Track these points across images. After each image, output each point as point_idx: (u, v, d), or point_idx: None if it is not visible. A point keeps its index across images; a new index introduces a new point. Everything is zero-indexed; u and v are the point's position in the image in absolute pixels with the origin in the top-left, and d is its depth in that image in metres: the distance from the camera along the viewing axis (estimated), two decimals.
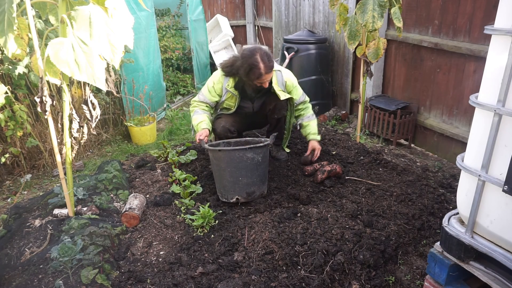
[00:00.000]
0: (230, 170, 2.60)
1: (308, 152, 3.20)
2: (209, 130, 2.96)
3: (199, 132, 2.90)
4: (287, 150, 3.44)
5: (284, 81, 3.05)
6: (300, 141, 3.70)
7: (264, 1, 7.22)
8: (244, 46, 2.98)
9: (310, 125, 3.21)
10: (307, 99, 3.24)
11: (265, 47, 2.93)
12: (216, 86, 3.01)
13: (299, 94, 3.16)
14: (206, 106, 3.08)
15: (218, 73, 3.02)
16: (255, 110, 3.18)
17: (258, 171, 2.64)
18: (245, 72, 2.78)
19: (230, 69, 2.92)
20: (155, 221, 2.60)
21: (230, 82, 2.97)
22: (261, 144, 2.62)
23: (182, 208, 2.69)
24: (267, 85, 2.88)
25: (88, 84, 2.13)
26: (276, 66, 3.05)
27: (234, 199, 2.64)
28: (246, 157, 2.57)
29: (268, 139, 2.75)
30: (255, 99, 3.14)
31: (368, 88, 4.37)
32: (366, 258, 2.12)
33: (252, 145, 2.60)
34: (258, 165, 2.63)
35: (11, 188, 3.40)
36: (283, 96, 2.96)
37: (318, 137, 3.23)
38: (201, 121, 2.97)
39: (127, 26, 2.08)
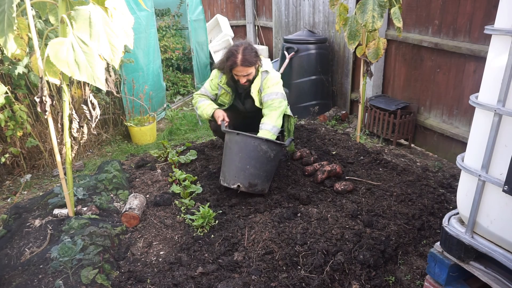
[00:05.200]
0: (241, 155, 2.63)
1: None
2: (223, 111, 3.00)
3: (219, 114, 2.94)
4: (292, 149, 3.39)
5: (262, 84, 2.87)
6: (300, 141, 3.70)
7: (264, 1, 7.22)
8: None
9: (259, 134, 2.76)
10: (275, 103, 2.82)
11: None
12: (214, 81, 3.10)
13: (267, 92, 2.85)
14: (207, 98, 3.17)
15: (215, 69, 3.12)
16: (247, 111, 3.16)
17: (267, 166, 2.66)
18: (224, 60, 2.82)
19: (223, 65, 2.94)
20: (155, 221, 2.60)
21: (223, 79, 3.02)
22: (278, 142, 2.69)
23: (182, 208, 2.69)
24: (242, 81, 2.84)
25: (88, 84, 2.13)
26: (267, 67, 2.92)
27: (235, 186, 2.64)
28: (260, 148, 2.61)
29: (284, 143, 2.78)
30: (244, 100, 3.10)
31: (368, 88, 4.37)
32: (366, 258, 2.12)
33: (269, 139, 2.65)
34: (269, 161, 2.66)
35: (11, 188, 3.40)
36: (257, 102, 2.92)
37: None
38: (210, 103, 3.06)
39: (127, 26, 2.08)
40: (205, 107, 3.05)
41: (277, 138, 2.90)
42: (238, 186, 2.64)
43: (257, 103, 2.94)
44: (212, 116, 3.02)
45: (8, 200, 3.21)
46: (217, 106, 3.06)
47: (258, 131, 2.82)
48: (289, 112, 3.09)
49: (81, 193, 2.73)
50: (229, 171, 2.68)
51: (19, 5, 2.01)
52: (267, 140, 2.62)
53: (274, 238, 2.24)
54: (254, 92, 2.91)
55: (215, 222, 2.48)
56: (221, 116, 2.94)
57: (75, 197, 2.65)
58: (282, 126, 3.01)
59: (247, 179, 2.64)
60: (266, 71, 2.91)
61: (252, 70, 2.82)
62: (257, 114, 3.03)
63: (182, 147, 3.67)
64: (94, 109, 2.32)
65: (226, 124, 2.91)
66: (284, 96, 2.93)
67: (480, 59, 3.20)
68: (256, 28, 7.66)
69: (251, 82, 2.90)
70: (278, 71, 4.96)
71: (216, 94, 3.13)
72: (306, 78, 4.82)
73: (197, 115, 3.21)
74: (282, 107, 2.87)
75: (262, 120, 2.84)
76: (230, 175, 2.67)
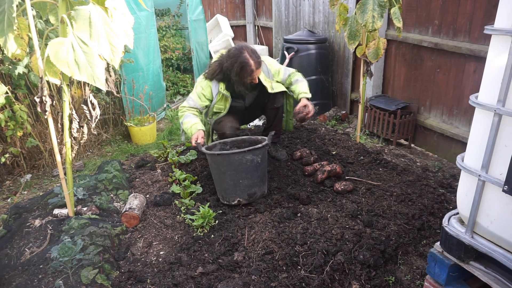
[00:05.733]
0: (230, 173, 2.58)
1: (300, 106, 2.94)
2: (204, 132, 2.89)
3: (194, 135, 2.81)
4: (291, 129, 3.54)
5: (269, 70, 3.08)
6: (300, 141, 3.70)
7: (264, 1, 7.22)
8: (229, 48, 3.00)
9: (298, 85, 3.09)
10: (291, 70, 3.18)
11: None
12: (206, 91, 2.98)
13: (282, 73, 3.15)
14: (197, 111, 3.02)
15: (203, 80, 3.00)
16: (247, 105, 3.20)
17: (258, 172, 2.63)
18: (236, 72, 2.78)
19: (221, 75, 2.91)
20: (155, 221, 2.60)
21: (221, 86, 2.95)
22: (260, 145, 2.59)
23: (182, 208, 2.69)
24: (257, 80, 2.91)
25: (88, 84, 2.13)
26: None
27: (236, 202, 2.64)
28: (246, 159, 2.55)
29: (265, 137, 2.74)
30: (245, 96, 3.16)
31: (368, 88, 4.37)
32: (366, 258, 2.12)
33: (251, 147, 2.56)
34: (258, 166, 2.61)
35: (11, 188, 3.40)
36: (270, 88, 3.01)
37: (309, 95, 3.05)
38: (195, 123, 2.88)
39: (127, 26, 2.08)
40: (189, 125, 2.88)
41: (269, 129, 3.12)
42: (239, 201, 2.63)
43: (269, 89, 3.01)
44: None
45: (8, 200, 3.21)
46: (202, 127, 2.88)
47: (258, 117, 3.06)
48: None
49: (81, 193, 2.73)
50: (224, 190, 2.66)
51: (20, 5, 2.01)
52: (249, 150, 2.54)
53: (274, 238, 2.24)
54: (264, 81, 3.00)
55: (215, 222, 2.48)
56: (195, 137, 2.80)
57: (75, 197, 2.65)
58: (283, 106, 3.23)
59: (244, 192, 2.62)
60: (262, 61, 3.00)
61: (261, 68, 2.92)
62: (254, 106, 3.19)
63: (182, 147, 3.67)
64: (94, 109, 2.32)
65: (202, 143, 2.77)
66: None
67: (480, 59, 3.20)
68: (256, 28, 7.66)
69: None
70: None
71: (207, 106, 3.02)
72: (306, 78, 4.71)
73: (181, 129, 3.09)
74: (293, 69, 3.20)
75: (295, 83, 3.10)
76: (227, 193, 2.65)
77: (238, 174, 2.57)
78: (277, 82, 3.13)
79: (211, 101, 3.02)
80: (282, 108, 3.23)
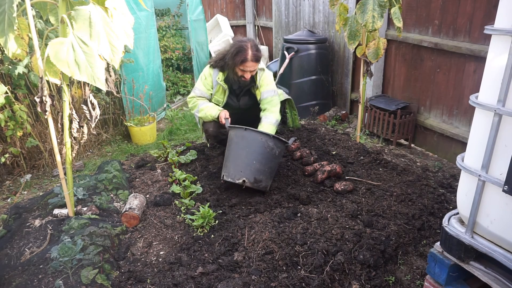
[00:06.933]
0: (248, 150, 2.64)
1: None
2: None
3: (222, 113, 2.93)
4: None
5: (261, 80, 3.05)
6: (300, 141, 3.70)
7: (264, 1, 7.22)
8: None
9: (262, 126, 2.93)
10: (275, 100, 3.04)
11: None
12: (208, 80, 3.07)
13: (266, 89, 3.03)
14: (206, 99, 3.12)
15: (207, 68, 3.09)
16: (241, 107, 3.21)
17: (271, 163, 2.69)
18: (232, 55, 2.83)
19: (222, 61, 2.96)
20: (155, 221, 2.60)
21: (220, 75, 3.02)
22: (284, 140, 2.71)
23: (182, 208, 2.69)
24: (248, 76, 2.91)
25: (88, 84, 2.13)
26: (263, 65, 3.13)
27: (241, 181, 2.64)
28: (268, 145, 2.63)
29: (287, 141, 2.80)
30: (240, 96, 3.18)
31: (368, 88, 4.37)
32: (366, 258, 2.12)
33: (277, 136, 2.67)
34: (274, 158, 2.68)
35: (11, 188, 3.40)
36: (258, 95, 3.07)
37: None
38: (213, 105, 3.03)
39: (127, 26, 2.08)
40: (209, 108, 3.01)
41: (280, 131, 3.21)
42: (244, 181, 2.63)
43: (258, 97, 3.07)
44: (218, 117, 3.01)
45: (8, 200, 3.21)
46: (221, 107, 3.06)
47: (251, 126, 2.96)
48: (286, 96, 3.43)
49: (81, 193, 2.73)
50: (234, 166, 2.68)
51: (20, 5, 2.01)
52: (274, 137, 2.65)
53: (274, 238, 2.24)
54: (255, 88, 3.06)
55: (215, 222, 2.48)
56: (223, 115, 2.96)
57: (75, 197, 2.65)
58: (285, 109, 3.39)
59: (253, 174, 2.64)
60: (262, 69, 3.08)
61: (257, 66, 2.93)
62: (250, 111, 3.18)
63: (182, 147, 3.67)
64: (94, 109, 2.32)
65: (230, 120, 2.94)
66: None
67: (480, 59, 3.20)
68: (256, 28, 7.66)
69: (252, 78, 2.99)
70: (278, 71, 4.98)
71: (211, 94, 3.11)
72: (306, 78, 4.82)
73: (196, 119, 3.09)
74: (279, 104, 3.13)
75: (265, 113, 3.02)
76: (235, 170, 2.67)
77: (254, 155, 2.63)
78: (257, 90, 3.07)
79: (211, 90, 3.10)
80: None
